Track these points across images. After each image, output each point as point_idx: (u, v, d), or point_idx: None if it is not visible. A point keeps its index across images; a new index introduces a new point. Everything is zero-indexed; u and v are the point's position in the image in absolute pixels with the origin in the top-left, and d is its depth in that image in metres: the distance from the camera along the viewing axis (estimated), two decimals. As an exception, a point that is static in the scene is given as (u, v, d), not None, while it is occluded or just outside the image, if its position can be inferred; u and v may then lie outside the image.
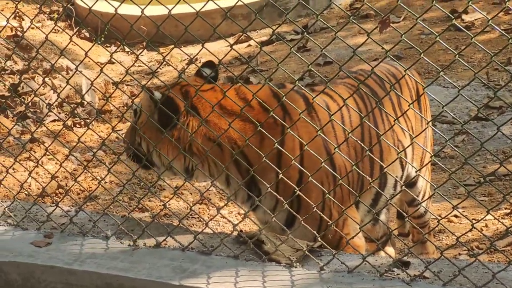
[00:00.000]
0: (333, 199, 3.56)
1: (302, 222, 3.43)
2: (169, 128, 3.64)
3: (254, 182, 3.67)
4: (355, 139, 3.47)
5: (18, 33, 8.92)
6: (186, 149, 3.69)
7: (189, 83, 3.74)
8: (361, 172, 3.51)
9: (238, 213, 5.54)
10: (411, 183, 4.38)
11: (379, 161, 3.75)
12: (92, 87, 7.26)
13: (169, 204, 5.24)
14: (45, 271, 3.63)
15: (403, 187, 3.44)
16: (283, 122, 3.54)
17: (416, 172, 4.25)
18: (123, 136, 4.02)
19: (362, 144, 3.58)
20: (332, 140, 3.67)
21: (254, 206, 3.71)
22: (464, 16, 9.05)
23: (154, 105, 3.66)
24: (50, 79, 7.61)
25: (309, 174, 3.39)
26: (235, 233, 3.64)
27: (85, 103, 7.42)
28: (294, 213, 3.54)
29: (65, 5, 10.05)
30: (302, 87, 3.61)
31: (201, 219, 5.36)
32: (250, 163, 3.63)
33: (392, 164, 3.92)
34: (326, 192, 3.47)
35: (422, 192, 4.50)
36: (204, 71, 3.90)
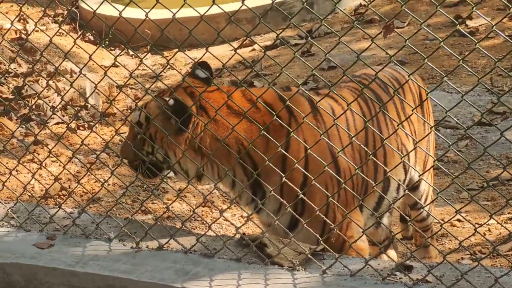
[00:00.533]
0: (336, 203, 3.57)
1: (304, 225, 3.44)
2: (184, 131, 3.63)
3: (259, 184, 3.67)
4: (359, 143, 3.48)
5: (23, 36, 8.93)
6: (196, 151, 3.68)
7: (190, 84, 3.73)
8: (365, 176, 3.51)
9: (241, 216, 5.53)
10: (413, 186, 4.38)
11: (383, 165, 3.75)
12: (96, 90, 7.26)
13: (172, 207, 5.26)
14: (48, 272, 3.63)
15: (406, 191, 3.46)
16: (286, 126, 3.54)
17: (419, 176, 4.26)
18: (120, 153, 3.94)
19: (366, 149, 3.58)
20: (337, 143, 3.68)
21: (257, 208, 3.71)
22: (468, 22, 9.04)
23: (169, 111, 3.64)
24: (54, 82, 7.62)
25: (313, 178, 3.40)
26: (238, 236, 3.64)
27: (89, 106, 7.43)
28: (297, 216, 3.54)
29: (69, 8, 10.07)
30: (305, 91, 3.61)
31: (204, 222, 5.35)
32: (255, 165, 3.64)
33: (395, 168, 3.93)
34: (330, 195, 3.46)
35: (425, 195, 4.50)
36: (197, 73, 3.89)
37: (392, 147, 3.59)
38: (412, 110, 3.97)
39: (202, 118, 3.66)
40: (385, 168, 3.74)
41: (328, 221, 3.49)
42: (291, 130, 3.48)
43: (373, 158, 3.49)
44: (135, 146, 3.78)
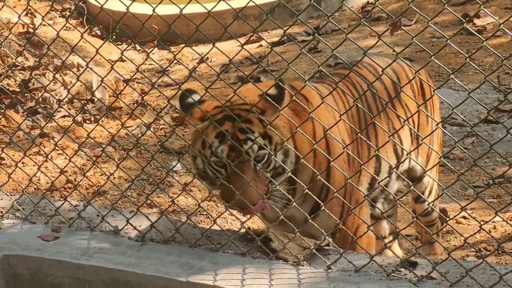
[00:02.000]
0: (340, 197, 3.58)
1: (325, 209, 3.45)
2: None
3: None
4: (350, 124, 3.52)
5: (30, 29, 8.94)
6: None
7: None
8: (360, 161, 3.54)
9: (246, 211, 5.54)
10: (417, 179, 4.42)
11: (372, 145, 3.80)
12: (103, 84, 7.27)
13: (177, 201, 5.26)
14: (53, 265, 3.64)
15: (412, 187, 3.47)
16: (307, 108, 3.54)
17: (424, 171, 4.28)
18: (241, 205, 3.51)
19: (358, 131, 3.63)
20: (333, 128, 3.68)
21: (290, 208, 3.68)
22: (476, 20, 9.02)
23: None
24: (60, 76, 7.63)
25: (317, 172, 3.41)
26: (243, 230, 3.65)
27: (95, 99, 7.44)
28: (320, 202, 3.49)
29: (77, 2, 10.08)
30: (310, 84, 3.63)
31: (209, 216, 5.35)
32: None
33: (386, 151, 3.96)
34: (334, 186, 3.49)
35: (429, 188, 4.51)
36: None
37: (381, 126, 3.64)
38: (419, 107, 3.98)
39: None
40: (373, 146, 3.79)
41: (336, 215, 3.51)
42: (298, 126, 3.47)
43: (361, 137, 3.53)
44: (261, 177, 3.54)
